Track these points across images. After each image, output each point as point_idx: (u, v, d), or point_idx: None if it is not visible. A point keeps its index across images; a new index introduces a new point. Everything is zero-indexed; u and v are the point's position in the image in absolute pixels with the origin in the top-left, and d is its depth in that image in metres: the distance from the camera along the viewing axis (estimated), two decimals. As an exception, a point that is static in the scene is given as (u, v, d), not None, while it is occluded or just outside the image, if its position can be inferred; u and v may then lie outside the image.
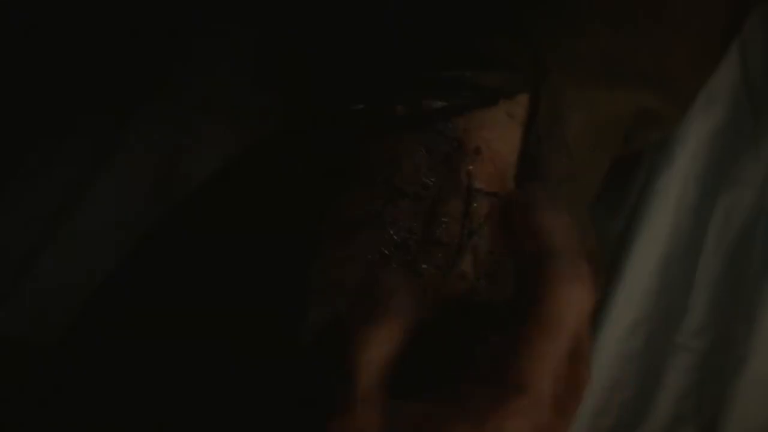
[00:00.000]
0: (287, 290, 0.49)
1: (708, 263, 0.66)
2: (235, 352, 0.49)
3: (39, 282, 0.64)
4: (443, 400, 0.37)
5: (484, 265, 0.49)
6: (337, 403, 0.36)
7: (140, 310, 0.53)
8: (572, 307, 0.36)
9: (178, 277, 0.53)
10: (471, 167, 0.50)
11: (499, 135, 0.51)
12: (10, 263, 0.64)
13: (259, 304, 0.49)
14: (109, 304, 0.55)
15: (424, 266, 0.48)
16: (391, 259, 0.48)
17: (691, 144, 0.68)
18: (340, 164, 0.51)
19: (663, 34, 0.60)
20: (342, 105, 0.52)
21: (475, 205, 0.50)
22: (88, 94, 0.66)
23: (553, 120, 0.54)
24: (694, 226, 0.67)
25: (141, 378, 0.51)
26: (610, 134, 0.59)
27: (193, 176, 0.68)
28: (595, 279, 0.38)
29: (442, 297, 0.48)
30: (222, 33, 0.68)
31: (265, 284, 0.50)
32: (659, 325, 0.65)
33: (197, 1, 0.69)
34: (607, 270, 0.63)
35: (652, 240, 0.66)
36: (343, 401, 0.36)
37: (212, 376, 0.49)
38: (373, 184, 0.49)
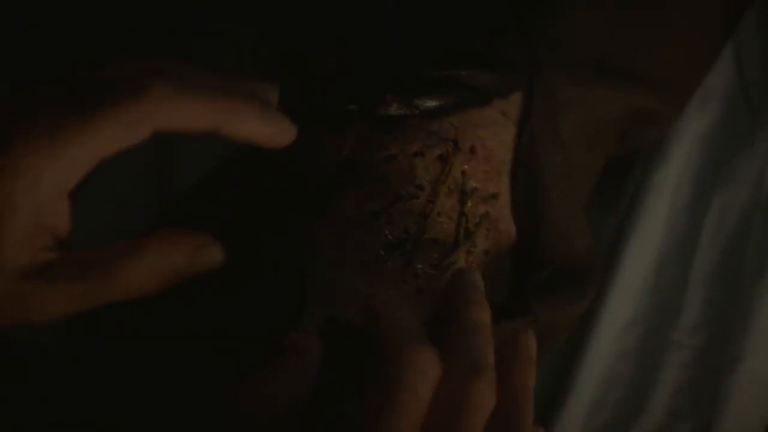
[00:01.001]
0: (284, 291, 0.49)
1: (703, 261, 0.66)
2: (235, 351, 0.49)
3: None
4: None
5: (479, 264, 0.49)
6: None
7: (137, 311, 0.53)
8: (412, 370, 0.35)
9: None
10: (466, 166, 0.50)
11: (493, 134, 0.52)
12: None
13: (255, 304, 0.49)
14: (107, 304, 0.56)
15: (419, 266, 0.48)
16: (386, 259, 0.48)
17: (686, 142, 0.68)
18: (336, 165, 0.51)
19: (658, 34, 0.60)
20: (337, 105, 0.52)
21: (470, 204, 0.50)
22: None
23: (548, 119, 0.54)
24: (689, 224, 0.67)
25: (141, 378, 0.51)
26: (606, 133, 0.59)
27: (186, 173, 0.68)
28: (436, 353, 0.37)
29: (439, 296, 0.48)
30: (221, 33, 0.68)
31: (262, 285, 0.50)
32: (654, 322, 0.65)
33: (197, 1, 0.69)
34: (602, 268, 0.63)
35: (647, 238, 0.66)
36: None
37: (211, 376, 0.49)
38: (369, 184, 0.49)
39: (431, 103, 0.51)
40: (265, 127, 0.40)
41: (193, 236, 0.39)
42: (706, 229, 0.67)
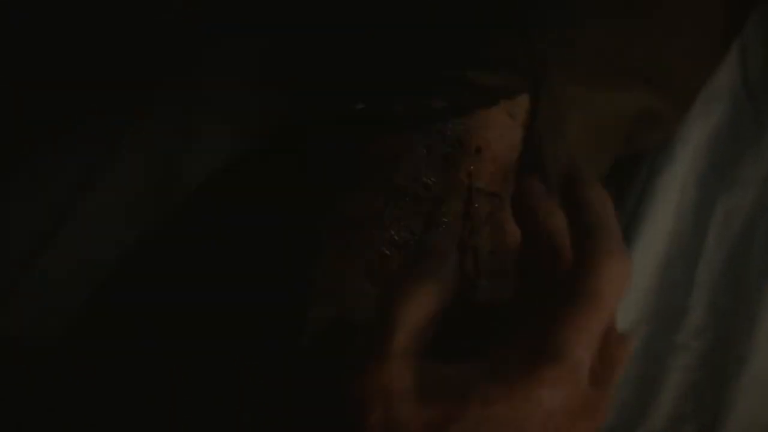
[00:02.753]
0: (290, 289, 0.49)
1: (708, 263, 0.66)
2: (236, 352, 0.49)
3: (39, 282, 0.63)
4: (477, 364, 0.37)
5: (485, 264, 0.49)
6: (372, 357, 0.36)
7: (141, 311, 0.53)
8: (614, 283, 0.37)
9: (179, 277, 0.53)
10: (472, 167, 0.50)
11: (500, 135, 0.51)
12: (11, 264, 0.64)
13: (261, 303, 0.49)
14: (109, 305, 0.55)
15: None
16: (392, 259, 0.48)
17: (692, 144, 0.68)
18: (342, 164, 0.51)
19: (663, 35, 0.60)
20: (343, 105, 0.52)
21: (476, 205, 0.50)
22: (89, 94, 0.66)
23: (554, 120, 0.54)
24: (694, 226, 0.67)
25: (140, 378, 0.51)
26: (611, 134, 0.59)
27: (192, 175, 0.68)
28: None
29: None
30: (230, 41, 0.68)
31: (268, 283, 0.50)
32: (659, 324, 0.65)
33: (206, 10, 0.69)
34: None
35: (652, 240, 0.66)
36: (378, 355, 0.36)
37: (211, 376, 0.49)
38: (374, 184, 0.49)
39: (438, 104, 0.51)
40: None
41: None
42: (712, 231, 0.66)
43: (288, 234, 0.50)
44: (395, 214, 0.49)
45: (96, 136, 0.67)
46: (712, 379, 0.63)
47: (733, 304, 0.65)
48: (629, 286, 0.37)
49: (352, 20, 0.61)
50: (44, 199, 0.69)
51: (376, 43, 0.57)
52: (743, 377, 0.62)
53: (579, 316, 0.36)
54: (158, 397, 0.50)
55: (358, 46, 0.57)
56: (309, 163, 0.52)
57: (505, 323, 0.39)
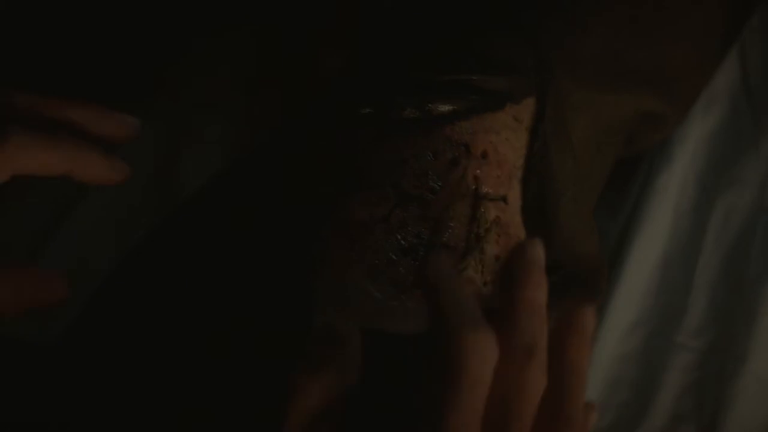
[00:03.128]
0: (295, 295, 0.48)
1: (707, 263, 0.66)
2: (238, 357, 0.49)
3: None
4: None
5: (490, 269, 0.49)
6: None
7: (141, 313, 0.53)
8: (475, 355, 0.36)
9: (179, 281, 0.53)
10: (478, 171, 0.50)
11: (506, 139, 0.51)
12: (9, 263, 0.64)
13: (266, 308, 0.49)
14: (109, 305, 0.55)
15: None
16: (399, 264, 0.48)
17: (691, 144, 0.68)
18: (347, 168, 0.51)
19: (664, 37, 0.60)
20: (350, 108, 0.51)
21: (482, 209, 0.49)
22: (89, 93, 0.66)
23: (559, 123, 0.53)
24: (693, 226, 0.67)
25: (140, 378, 0.51)
26: (614, 136, 0.59)
27: (192, 174, 0.68)
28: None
29: None
30: (221, 33, 0.68)
31: (271, 288, 0.50)
32: (658, 324, 0.65)
33: (197, 1, 0.69)
34: (607, 270, 0.63)
35: (651, 240, 0.66)
36: None
37: (213, 380, 0.49)
38: (380, 188, 0.49)
39: (444, 108, 0.50)
40: (107, 172, 0.45)
41: (38, 271, 0.42)
42: (711, 231, 0.67)
43: (292, 238, 0.50)
44: (401, 218, 0.49)
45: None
46: (711, 378, 0.63)
47: (732, 304, 0.65)
48: (495, 356, 0.36)
49: (356, 20, 0.60)
50: (42, 197, 0.69)
51: (382, 46, 0.56)
52: (742, 377, 0.62)
53: (442, 396, 0.36)
54: (158, 399, 0.50)
55: (365, 49, 0.57)
56: (314, 167, 0.52)
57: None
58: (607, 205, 0.67)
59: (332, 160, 0.51)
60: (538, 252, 0.41)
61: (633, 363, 0.64)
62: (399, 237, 0.48)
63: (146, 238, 0.56)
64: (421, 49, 0.51)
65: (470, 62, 0.52)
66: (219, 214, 0.54)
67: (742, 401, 0.62)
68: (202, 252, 0.53)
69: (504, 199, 0.50)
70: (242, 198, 0.54)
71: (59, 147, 0.42)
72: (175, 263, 0.54)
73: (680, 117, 0.66)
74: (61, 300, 0.41)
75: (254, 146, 0.56)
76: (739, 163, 0.68)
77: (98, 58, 0.67)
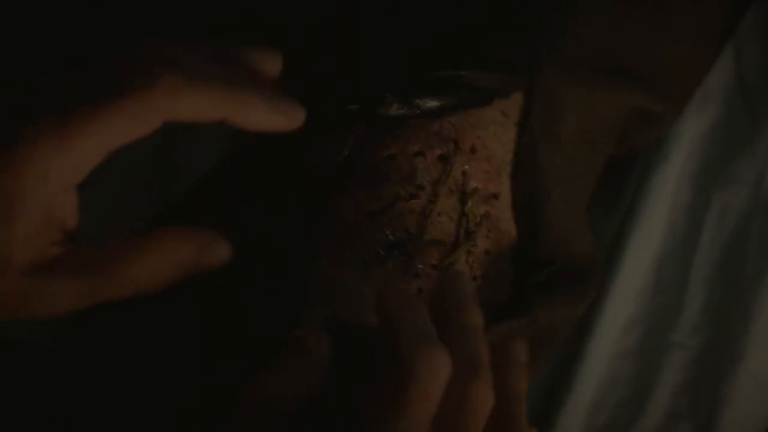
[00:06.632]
0: (285, 290, 0.49)
1: (703, 261, 0.66)
2: (232, 352, 0.49)
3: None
4: None
5: (480, 264, 0.49)
6: None
7: (138, 310, 0.53)
8: (427, 370, 0.35)
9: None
10: (467, 166, 0.50)
11: (494, 134, 0.51)
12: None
13: (256, 304, 0.49)
14: (109, 305, 0.55)
15: (420, 266, 0.48)
16: (387, 258, 0.48)
17: (686, 143, 0.68)
18: (337, 164, 0.51)
19: (658, 34, 0.60)
20: (338, 105, 0.52)
21: (470, 204, 0.50)
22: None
23: (548, 119, 0.54)
24: (689, 225, 0.67)
25: (140, 378, 0.51)
26: (606, 134, 0.59)
27: (188, 171, 0.68)
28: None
29: None
30: (227, 34, 0.68)
31: (263, 285, 0.50)
32: (654, 323, 0.65)
33: (203, 2, 0.69)
34: (602, 269, 0.63)
35: (647, 238, 0.66)
36: None
37: (211, 375, 0.49)
38: (369, 184, 0.49)
39: (432, 103, 0.50)
40: (273, 116, 0.39)
41: (200, 233, 0.39)
42: (706, 229, 0.67)
43: (283, 234, 0.50)
44: (390, 214, 0.49)
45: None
46: (707, 376, 0.63)
47: (727, 302, 0.65)
48: (446, 373, 0.36)
49: (347, 16, 0.61)
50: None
51: (372, 43, 0.57)
52: (738, 375, 0.62)
53: (394, 405, 0.35)
54: (155, 397, 0.50)
55: (364, 49, 0.57)
56: (304, 163, 0.52)
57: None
58: (602, 204, 0.67)
59: (322, 158, 0.51)
60: (464, 280, 0.41)
61: (629, 361, 0.64)
62: (387, 232, 0.48)
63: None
64: (420, 49, 0.51)
65: (459, 59, 0.53)
66: (212, 209, 0.54)
67: (738, 400, 0.62)
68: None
69: (493, 194, 0.50)
70: (235, 195, 0.54)
71: (214, 88, 0.37)
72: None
73: (674, 114, 0.66)
74: (222, 262, 0.39)
75: (250, 144, 0.56)
76: (734, 161, 0.68)
77: (104, 46, 0.67)
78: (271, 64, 0.41)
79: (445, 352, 0.36)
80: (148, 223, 0.56)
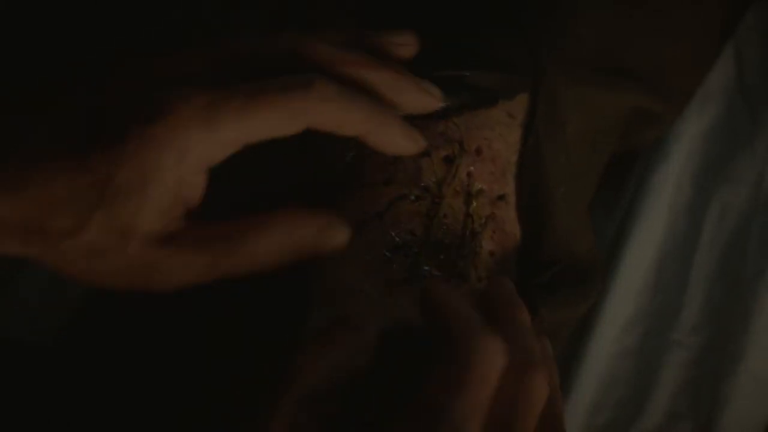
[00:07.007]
0: (289, 291, 0.49)
1: (703, 261, 0.66)
2: (234, 353, 0.49)
3: (36, 280, 0.63)
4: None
5: (485, 265, 0.49)
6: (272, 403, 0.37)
7: (138, 309, 0.53)
8: (485, 355, 0.36)
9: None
10: (472, 168, 0.50)
11: (499, 135, 0.51)
12: (8, 263, 0.64)
13: (259, 304, 0.49)
14: (108, 304, 0.55)
15: (425, 268, 0.48)
16: (392, 260, 0.48)
17: (687, 142, 0.68)
18: (342, 165, 0.51)
19: (659, 34, 0.60)
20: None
21: (476, 205, 0.50)
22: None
23: (552, 120, 0.54)
24: (689, 224, 0.67)
25: (139, 378, 0.51)
26: (607, 133, 0.59)
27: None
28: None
29: None
30: (220, 31, 0.68)
31: (266, 285, 0.50)
32: (654, 322, 0.65)
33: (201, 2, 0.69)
34: (602, 268, 0.63)
35: (647, 238, 0.66)
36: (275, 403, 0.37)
37: (209, 376, 0.49)
38: (374, 185, 0.49)
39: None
40: (404, 142, 0.41)
41: (320, 215, 0.39)
42: (706, 228, 0.67)
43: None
44: (395, 215, 0.49)
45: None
46: (707, 376, 0.63)
47: (727, 301, 0.65)
48: (503, 361, 0.37)
49: (349, 16, 0.61)
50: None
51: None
52: (738, 375, 0.62)
53: (454, 386, 0.36)
54: (156, 397, 0.50)
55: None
56: (309, 164, 0.52)
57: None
58: (603, 204, 0.68)
59: (327, 158, 0.51)
60: (510, 285, 0.43)
61: (629, 360, 0.64)
62: (393, 234, 0.48)
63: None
64: (420, 48, 0.51)
65: (463, 59, 0.53)
66: (214, 209, 0.54)
67: (738, 399, 0.62)
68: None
69: (498, 195, 0.50)
70: (238, 195, 0.54)
71: (362, 106, 0.39)
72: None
73: (675, 114, 0.67)
74: (340, 247, 0.39)
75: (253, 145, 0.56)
76: (734, 161, 0.68)
77: (98, 56, 0.67)
78: (406, 48, 0.43)
79: (502, 341, 0.37)
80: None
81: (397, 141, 0.41)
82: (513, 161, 0.52)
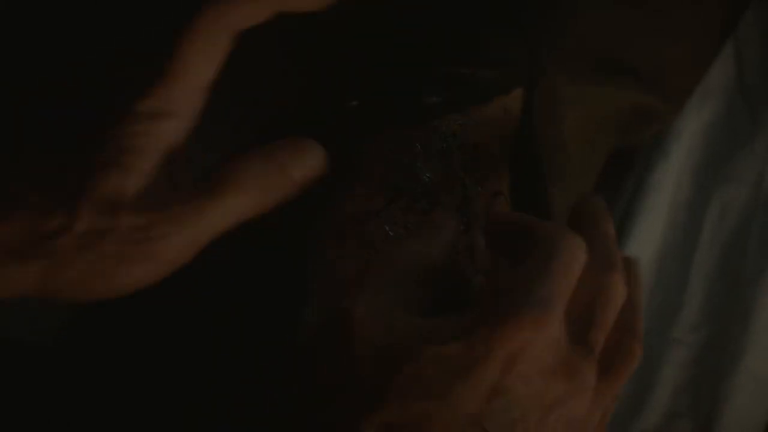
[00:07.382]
0: (286, 286, 0.49)
1: (703, 259, 0.66)
2: (233, 350, 0.49)
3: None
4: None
5: (481, 260, 0.49)
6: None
7: (138, 308, 0.53)
8: (567, 248, 0.38)
9: (174, 276, 0.53)
10: (468, 163, 0.50)
11: (496, 131, 0.52)
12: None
13: (257, 299, 0.49)
14: (108, 304, 0.55)
15: None
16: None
17: (686, 140, 0.68)
18: (338, 161, 0.51)
19: (658, 31, 0.60)
20: (338, 101, 0.52)
21: (472, 200, 0.50)
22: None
23: (549, 116, 0.54)
24: (689, 222, 0.67)
25: (139, 378, 0.51)
26: (606, 131, 0.59)
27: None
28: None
29: None
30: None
31: (264, 280, 0.50)
32: (654, 320, 0.65)
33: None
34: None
35: (647, 236, 0.66)
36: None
37: (209, 374, 0.49)
38: (371, 181, 0.49)
39: (433, 99, 0.51)
40: None
41: (287, 141, 0.41)
42: (706, 227, 0.67)
43: (284, 231, 0.50)
44: (391, 210, 0.49)
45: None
46: (707, 374, 0.63)
47: (728, 299, 0.65)
48: (584, 257, 0.38)
49: (345, 15, 0.61)
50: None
51: (371, 40, 0.57)
52: (738, 374, 0.62)
53: (539, 267, 0.37)
54: (156, 396, 0.50)
55: (354, 43, 0.57)
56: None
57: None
58: (602, 202, 0.67)
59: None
60: (601, 203, 0.45)
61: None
62: (387, 228, 0.48)
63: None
64: (410, 43, 0.51)
65: (459, 55, 0.53)
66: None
67: (738, 398, 0.62)
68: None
69: (494, 191, 0.50)
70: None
71: None
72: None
73: (674, 112, 0.66)
74: (320, 168, 0.41)
75: (251, 140, 0.56)
76: (734, 159, 0.68)
77: (98, 56, 0.67)
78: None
79: (582, 240, 0.39)
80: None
81: None
82: (509, 157, 0.52)
